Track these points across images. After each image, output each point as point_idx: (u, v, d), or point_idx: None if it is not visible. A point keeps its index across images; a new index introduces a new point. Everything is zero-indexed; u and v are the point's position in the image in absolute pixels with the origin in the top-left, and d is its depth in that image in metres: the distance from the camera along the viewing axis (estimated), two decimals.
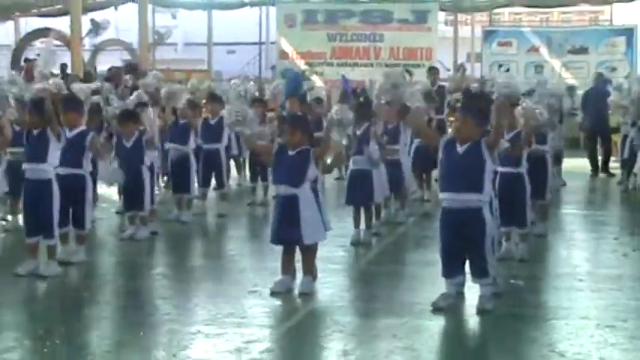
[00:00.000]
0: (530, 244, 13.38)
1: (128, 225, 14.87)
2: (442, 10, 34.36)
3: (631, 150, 19.68)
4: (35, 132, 11.82)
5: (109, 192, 17.14)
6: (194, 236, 15.76)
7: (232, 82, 21.71)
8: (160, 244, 14.61)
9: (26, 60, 28.09)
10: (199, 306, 10.97)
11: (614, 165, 23.52)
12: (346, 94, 22.89)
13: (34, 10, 34.03)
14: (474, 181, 9.94)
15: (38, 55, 28.25)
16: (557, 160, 19.86)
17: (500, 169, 11.57)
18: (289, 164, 10.88)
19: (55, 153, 11.91)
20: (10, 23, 33.67)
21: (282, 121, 13.34)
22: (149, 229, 14.68)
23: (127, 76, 22.10)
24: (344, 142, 12.60)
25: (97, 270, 12.92)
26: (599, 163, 23.82)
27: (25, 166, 11.95)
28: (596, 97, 24.02)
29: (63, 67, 27.54)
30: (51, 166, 11.88)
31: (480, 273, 10.09)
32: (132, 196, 14.60)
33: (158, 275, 13.02)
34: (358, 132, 13.68)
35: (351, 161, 14.01)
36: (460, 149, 10.00)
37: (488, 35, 33.50)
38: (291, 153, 10.91)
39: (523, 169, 12.64)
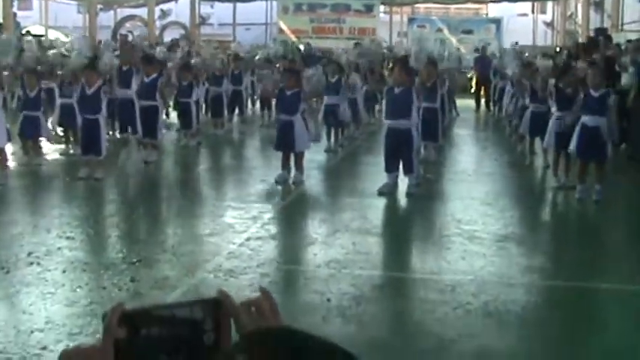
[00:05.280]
0: (438, 152, 13.30)
1: (182, 137, 14.67)
2: (382, 3, 34.07)
3: (499, 94, 19.66)
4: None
5: (171, 117, 16.94)
6: (224, 145, 15.57)
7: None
8: (203, 150, 14.42)
9: (120, 35, 27.70)
10: (229, 189, 10.92)
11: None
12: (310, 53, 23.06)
13: (126, 4, 33.77)
14: (406, 112, 9.80)
15: (120, 34, 28.09)
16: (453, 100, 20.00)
17: (424, 104, 11.38)
18: (287, 101, 10.69)
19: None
20: (111, 12, 33.32)
21: (282, 73, 13.08)
22: (196, 140, 14.45)
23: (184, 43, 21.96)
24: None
25: (164, 165, 12.78)
26: (482, 103, 23.68)
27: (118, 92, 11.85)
28: (482, 62, 23.86)
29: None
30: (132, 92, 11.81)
31: (408, 170, 9.98)
32: (184, 118, 14.44)
33: (202, 169, 12.90)
34: (332, 80, 13.52)
35: (325, 98, 13.78)
36: (396, 91, 9.89)
37: (411, 21, 33.26)
38: (288, 93, 10.71)
39: (437, 104, 12.49)
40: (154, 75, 12.38)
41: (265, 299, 1.33)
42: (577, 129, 9.79)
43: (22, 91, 12.43)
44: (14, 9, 24.50)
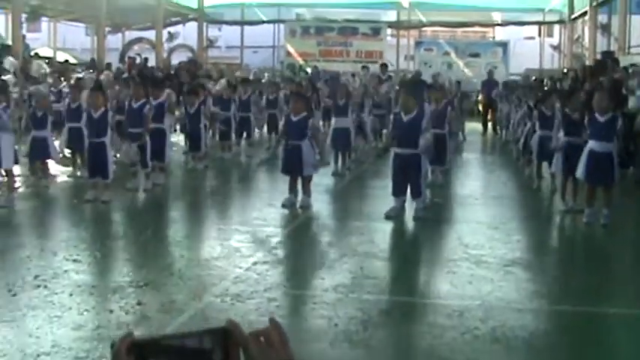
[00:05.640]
0: (445, 175, 13.30)
1: (190, 160, 14.70)
2: (389, 27, 34.17)
3: (506, 118, 19.74)
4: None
5: (178, 139, 16.96)
6: (232, 168, 15.60)
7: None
8: (210, 173, 14.44)
9: (128, 57, 27.82)
10: (236, 212, 10.89)
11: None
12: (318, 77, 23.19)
13: (134, 26, 33.86)
14: (414, 141, 9.77)
15: (129, 57, 28.17)
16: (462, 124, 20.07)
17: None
18: (294, 126, 10.68)
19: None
20: (119, 34, 33.43)
21: (288, 96, 13.12)
22: (203, 163, 14.47)
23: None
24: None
25: (171, 188, 12.80)
26: (489, 126, 23.73)
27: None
28: (489, 85, 23.96)
29: (146, 60, 27.36)
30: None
31: (416, 194, 9.95)
32: (192, 142, 14.43)
33: (209, 193, 12.90)
34: (340, 103, 13.56)
35: (334, 121, 13.84)
36: (405, 119, 9.87)
37: (418, 44, 33.28)
38: (294, 119, 10.70)
39: (446, 130, 12.52)
40: (162, 98, 12.44)
41: (274, 329, 1.33)
42: (584, 153, 9.77)
43: (30, 111, 12.49)
44: (23, 31, 24.60)
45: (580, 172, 9.84)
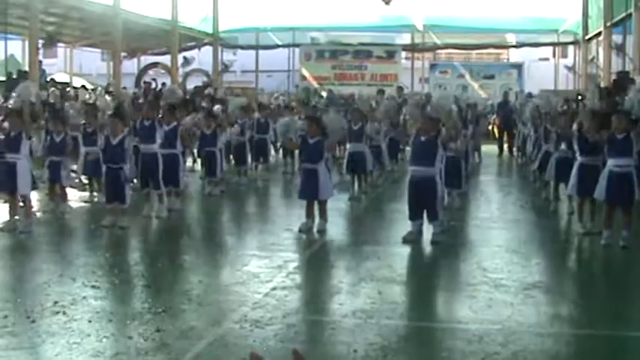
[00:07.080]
0: (462, 198, 13.27)
1: (206, 185, 14.71)
2: (404, 50, 34.30)
3: (523, 140, 19.67)
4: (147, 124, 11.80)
5: (195, 164, 17.02)
6: (248, 194, 15.63)
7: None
8: (227, 198, 14.45)
9: (144, 82, 27.95)
10: (253, 238, 10.90)
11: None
12: (333, 99, 23.22)
13: (149, 51, 34.07)
14: (430, 160, 9.79)
15: (144, 81, 28.29)
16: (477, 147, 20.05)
17: (447, 153, 11.34)
18: (310, 149, 10.71)
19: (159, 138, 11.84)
20: (135, 59, 33.63)
21: (304, 120, 13.10)
22: (220, 188, 14.49)
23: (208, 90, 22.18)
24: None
25: (187, 214, 12.83)
26: (505, 149, 23.68)
27: (141, 146, 11.82)
28: (505, 106, 23.94)
29: (163, 85, 27.52)
30: (157, 147, 11.75)
31: (433, 217, 9.95)
32: (209, 167, 14.44)
33: (225, 218, 12.93)
34: (355, 127, 13.56)
35: (349, 146, 13.87)
36: (422, 139, 9.90)
37: (432, 67, 33.48)
38: (310, 141, 10.73)
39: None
40: (174, 123, 12.47)
41: None
42: (603, 174, 9.77)
43: (47, 136, 12.50)
44: (40, 57, 24.77)
45: (599, 192, 9.83)
